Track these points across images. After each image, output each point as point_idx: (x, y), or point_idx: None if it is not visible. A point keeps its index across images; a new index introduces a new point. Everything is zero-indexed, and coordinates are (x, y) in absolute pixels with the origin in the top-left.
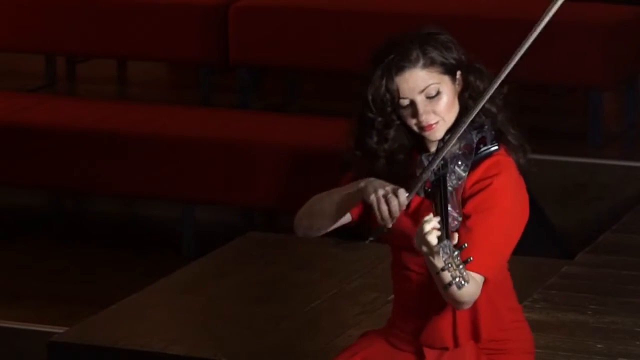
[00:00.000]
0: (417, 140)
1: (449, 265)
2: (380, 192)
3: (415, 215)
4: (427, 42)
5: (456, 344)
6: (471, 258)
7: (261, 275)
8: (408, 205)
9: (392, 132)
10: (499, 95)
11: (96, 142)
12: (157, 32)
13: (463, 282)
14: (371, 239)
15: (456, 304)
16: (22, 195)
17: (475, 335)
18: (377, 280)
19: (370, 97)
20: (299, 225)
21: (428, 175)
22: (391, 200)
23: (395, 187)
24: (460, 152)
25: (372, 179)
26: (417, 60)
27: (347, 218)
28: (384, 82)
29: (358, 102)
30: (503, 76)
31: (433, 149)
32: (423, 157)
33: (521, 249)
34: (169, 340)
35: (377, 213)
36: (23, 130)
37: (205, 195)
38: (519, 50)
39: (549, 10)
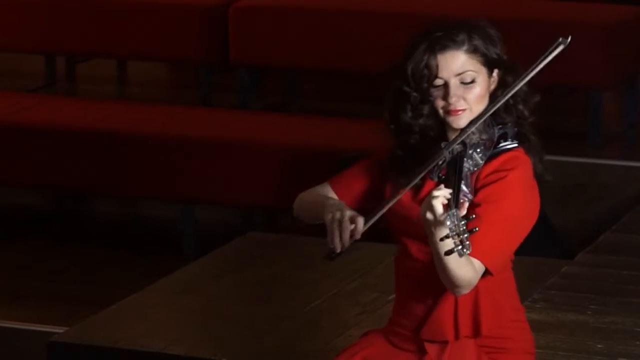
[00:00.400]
0: (440, 126)
1: (453, 232)
2: (337, 215)
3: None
4: (475, 30)
5: (457, 336)
6: (477, 228)
7: (261, 275)
8: (419, 191)
9: (426, 109)
10: (532, 101)
11: (96, 142)
12: (157, 32)
13: (465, 251)
14: (329, 257)
15: (452, 286)
16: (22, 195)
17: (476, 330)
18: (377, 280)
19: (409, 71)
20: (295, 208)
21: (440, 160)
22: (345, 227)
23: (355, 214)
24: (481, 142)
25: (337, 202)
26: (462, 44)
27: None
28: (425, 57)
29: (395, 76)
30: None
31: (452, 137)
32: (442, 145)
33: (521, 249)
34: (169, 340)
35: (328, 236)
36: (23, 130)
37: (205, 195)
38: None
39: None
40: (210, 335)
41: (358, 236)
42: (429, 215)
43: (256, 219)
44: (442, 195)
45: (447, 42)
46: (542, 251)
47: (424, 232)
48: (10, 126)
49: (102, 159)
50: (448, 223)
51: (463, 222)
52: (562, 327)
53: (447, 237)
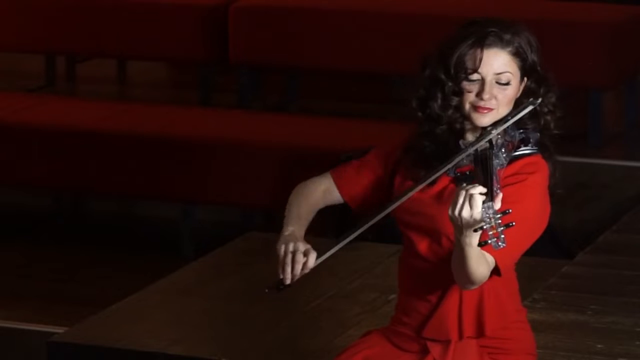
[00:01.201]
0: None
1: (489, 225)
2: (290, 247)
3: (438, 197)
4: (522, 34)
5: (461, 336)
6: (513, 223)
7: (261, 275)
8: (431, 186)
9: (455, 100)
10: (559, 114)
11: (96, 142)
12: (157, 32)
13: (500, 244)
14: (268, 290)
15: (466, 282)
16: (22, 195)
17: (480, 330)
18: (377, 280)
19: (452, 60)
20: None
21: (460, 159)
22: (298, 259)
23: (309, 248)
24: (505, 142)
25: (292, 233)
26: (508, 44)
27: (336, 199)
28: (472, 49)
29: (432, 64)
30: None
31: (470, 138)
32: (461, 143)
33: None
34: (169, 340)
35: (280, 267)
36: (23, 130)
37: (205, 195)
38: None
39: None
40: (210, 335)
41: (307, 270)
42: (466, 211)
43: (256, 219)
44: (478, 190)
45: (495, 38)
46: (542, 251)
47: (433, 225)
48: (10, 126)
49: (102, 159)
50: (484, 215)
51: (499, 215)
52: (562, 327)
53: (481, 228)
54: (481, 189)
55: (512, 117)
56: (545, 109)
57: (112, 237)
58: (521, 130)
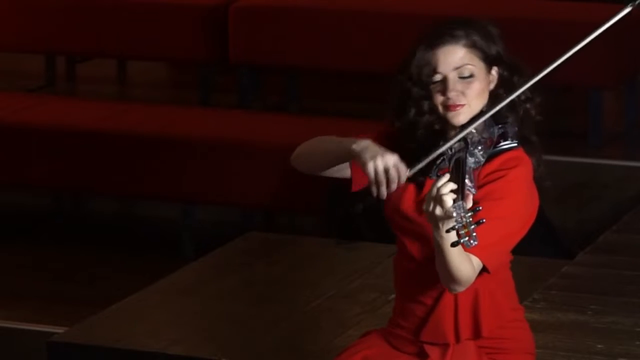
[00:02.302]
0: (442, 123)
1: (460, 224)
2: (380, 164)
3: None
4: (474, 27)
5: (458, 339)
6: (483, 220)
7: (261, 275)
8: (421, 191)
9: (427, 105)
10: (537, 100)
11: (96, 142)
12: (157, 32)
13: (471, 242)
14: (360, 207)
15: (450, 282)
16: (22, 195)
17: (476, 332)
18: (377, 280)
19: (412, 68)
20: (296, 157)
21: (438, 154)
22: (392, 177)
23: (396, 159)
24: (482, 139)
25: (367, 142)
26: (460, 38)
27: (347, 172)
28: (425, 53)
29: (399, 76)
30: (538, 77)
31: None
32: (441, 143)
33: (521, 249)
34: (169, 340)
35: (374, 186)
36: (23, 130)
37: (205, 195)
38: (562, 56)
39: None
40: (210, 335)
41: (403, 182)
42: (437, 209)
43: (256, 219)
44: (449, 187)
45: (445, 37)
46: (542, 251)
47: (423, 230)
48: (10, 126)
49: (102, 159)
50: (454, 215)
51: (470, 214)
52: (562, 327)
53: (453, 228)
54: (451, 186)
55: (487, 113)
56: (523, 97)
57: (112, 237)
58: (500, 126)
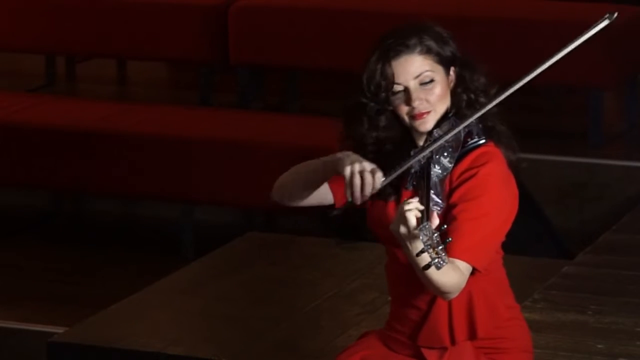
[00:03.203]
0: (406, 134)
1: (428, 246)
2: (357, 167)
3: None
4: (425, 31)
5: (453, 342)
6: (450, 239)
7: (261, 275)
8: (398, 200)
9: (383, 120)
10: (491, 91)
11: (96, 142)
12: (157, 32)
13: (442, 263)
14: (335, 212)
15: (440, 293)
16: (22, 195)
17: (472, 333)
18: (377, 280)
19: (365, 82)
20: (278, 188)
21: (410, 165)
22: (366, 177)
23: (374, 166)
24: (447, 145)
25: (350, 152)
26: (414, 47)
27: (326, 197)
28: (379, 66)
29: (351, 89)
30: (507, 93)
31: (421, 142)
32: (412, 153)
33: (521, 248)
34: (168, 340)
35: (348, 188)
36: (23, 130)
37: (205, 195)
38: (533, 71)
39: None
40: (210, 335)
41: (375, 191)
42: (402, 229)
43: (256, 219)
44: (414, 207)
45: (399, 47)
46: (542, 251)
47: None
48: (10, 126)
49: (102, 159)
50: (422, 237)
51: (436, 234)
52: (562, 327)
53: (422, 251)
54: (417, 204)
55: (456, 126)
56: (478, 92)
57: (112, 237)
58: (463, 126)
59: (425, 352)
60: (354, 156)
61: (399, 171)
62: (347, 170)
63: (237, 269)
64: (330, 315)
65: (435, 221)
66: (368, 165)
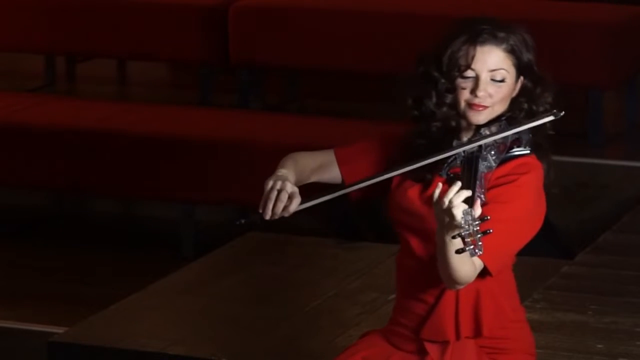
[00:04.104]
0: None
1: (466, 232)
2: (278, 184)
3: (431, 199)
4: (515, 32)
5: (458, 336)
6: (490, 230)
7: (261, 275)
8: (427, 187)
9: (449, 98)
10: (556, 115)
11: (96, 142)
12: (157, 32)
13: (476, 251)
14: (242, 221)
15: (450, 281)
16: (22, 195)
17: (477, 330)
18: (377, 280)
19: (445, 57)
20: None
21: (452, 157)
22: (282, 198)
23: (295, 191)
24: (495, 144)
25: (286, 174)
26: (502, 41)
27: (331, 177)
28: (464, 46)
29: (425, 62)
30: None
31: (464, 138)
32: (454, 144)
33: (521, 248)
34: (168, 340)
35: (262, 201)
36: (23, 130)
37: (205, 195)
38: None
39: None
40: (210, 335)
41: (287, 214)
42: (446, 214)
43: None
44: (463, 195)
45: (488, 36)
46: (542, 251)
47: (427, 227)
48: (10, 126)
49: (102, 159)
50: (462, 222)
51: (477, 223)
52: (562, 327)
53: (460, 235)
54: (465, 194)
55: (512, 129)
56: (541, 109)
57: (112, 237)
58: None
59: (428, 346)
60: (283, 175)
61: (321, 199)
62: (269, 184)
63: (237, 269)
64: (330, 315)
65: (478, 210)
66: (289, 187)
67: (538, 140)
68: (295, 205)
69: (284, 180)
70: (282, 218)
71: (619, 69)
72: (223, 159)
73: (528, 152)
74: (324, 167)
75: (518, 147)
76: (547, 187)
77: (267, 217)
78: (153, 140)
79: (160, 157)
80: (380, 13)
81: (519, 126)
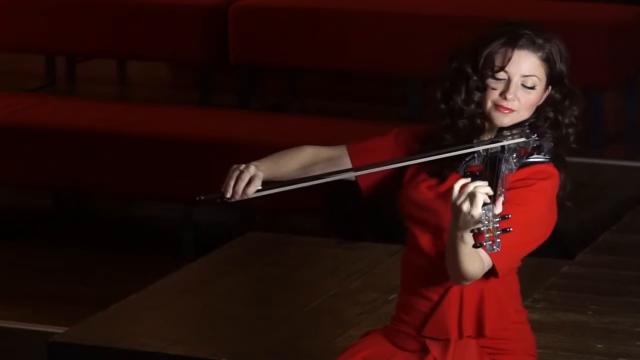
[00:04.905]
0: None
1: (486, 227)
2: (242, 165)
3: (446, 195)
4: (552, 41)
5: (460, 335)
6: (510, 229)
7: (261, 275)
8: (441, 183)
9: (477, 96)
10: (580, 126)
11: (96, 142)
12: (157, 32)
13: (495, 248)
14: (202, 197)
15: (458, 276)
16: (22, 195)
17: (480, 330)
18: (377, 280)
19: (482, 56)
20: None
21: (470, 155)
22: (243, 177)
23: (260, 174)
24: (517, 148)
25: (258, 163)
26: (539, 48)
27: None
28: (503, 48)
29: (460, 57)
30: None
31: (486, 138)
32: (475, 142)
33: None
34: (168, 340)
35: (225, 180)
36: (23, 130)
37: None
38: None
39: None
40: (210, 335)
41: (246, 196)
42: (466, 206)
43: (256, 219)
44: (486, 190)
45: (527, 41)
46: (542, 251)
47: (438, 222)
48: (10, 126)
49: (102, 159)
50: (483, 217)
51: (497, 219)
52: (562, 327)
53: (478, 230)
54: (487, 189)
55: (529, 135)
56: (567, 121)
57: (112, 237)
58: (537, 137)
59: (430, 344)
60: (254, 163)
61: (282, 188)
62: (233, 166)
63: (237, 269)
64: (330, 315)
65: (499, 208)
66: (253, 169)
67: (559, 151)
68: (253, 189)
69: (253, 165)
70: (243, 202)
71: (619, 69)
72: (223, 159)
73: (547, 160)
74: (333, 160)
75: (538, 154)
76: (562, 199)
77: (228, 195)
78: (153, 140)
79: (160, 157)
80: (380, 13)
81: (504, 140)
